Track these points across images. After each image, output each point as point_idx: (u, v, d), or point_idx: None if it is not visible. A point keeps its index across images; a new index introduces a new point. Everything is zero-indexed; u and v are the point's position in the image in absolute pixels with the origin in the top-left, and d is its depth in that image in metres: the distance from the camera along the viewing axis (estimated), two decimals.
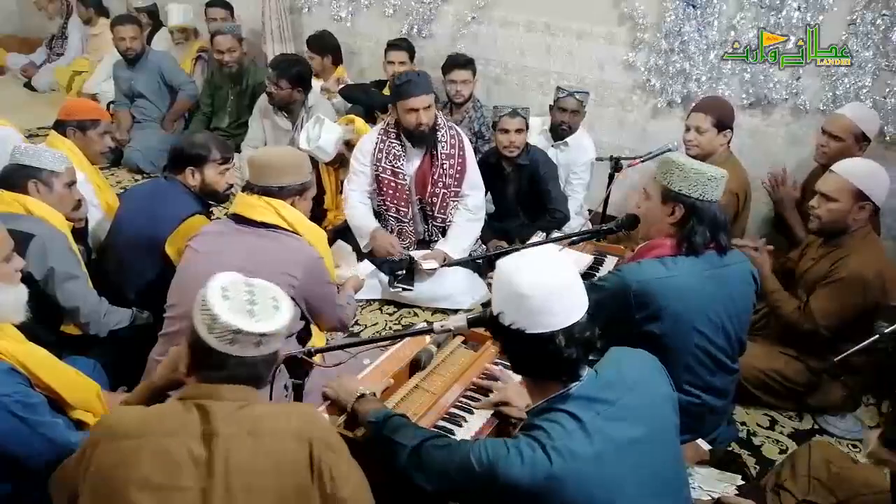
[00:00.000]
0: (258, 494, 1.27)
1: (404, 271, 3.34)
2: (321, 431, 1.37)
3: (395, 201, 3.35)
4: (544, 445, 1.30)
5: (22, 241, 2.08)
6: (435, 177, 3.35)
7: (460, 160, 3.38)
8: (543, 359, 1.37)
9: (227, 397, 1.32)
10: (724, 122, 3.15)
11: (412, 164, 3.36)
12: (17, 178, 2.38)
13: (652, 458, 1.39)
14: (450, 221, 3.46)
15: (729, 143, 3.22)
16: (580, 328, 1.36)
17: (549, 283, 1.34)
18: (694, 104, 3.38)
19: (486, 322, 1.45)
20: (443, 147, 3.33)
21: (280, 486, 1.28)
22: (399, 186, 3.34)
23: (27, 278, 1.95)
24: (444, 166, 3.35)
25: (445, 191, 3.39)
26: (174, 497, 1.24)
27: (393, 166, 3.32)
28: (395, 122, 3.32)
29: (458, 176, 3.39)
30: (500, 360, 2.17)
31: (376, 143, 3.34)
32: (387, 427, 1.59)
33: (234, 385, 1.34)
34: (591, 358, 1.43)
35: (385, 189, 3.35)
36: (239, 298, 1.34)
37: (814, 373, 2.66)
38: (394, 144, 3.32)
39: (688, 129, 3.21)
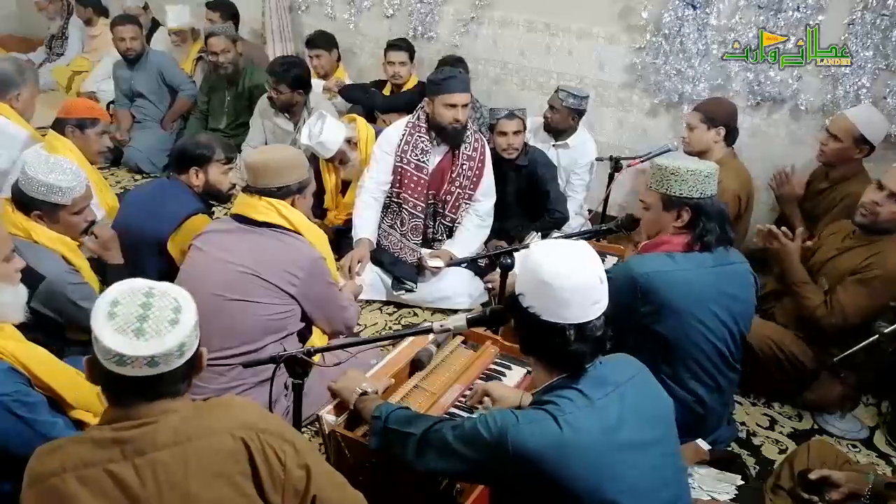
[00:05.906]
0: (200, 500, 1.22)
1: (413, 283, 3.34)
2: (252, 418, 1.31)
3: (415, 195, 3.34)
4: (555, 416, 1.34)
5: (33, 282, 2.05)
6: (453, 175, 3.36)
7: (480, 164, 3.39)
8: (550, 347, 1.40)
9: (139, 417, 1.23)
10: (713, 119, 3.17)
11: (434, 159, 3.36)
12: (25, 201, 2.24)
13: (653, 453, 1.41)
14: (458, 223, 3.46)
15: (728, 142, 3.22)
16: (593, 327, 1.38)
17: (572, 278, 1.36)
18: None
19: (506, 300, 1.43)
20: (465, 148, 3.34)
21: (220, 484, 1.24)
22: (420, 181, 3.34)
23: (28, 279, 1.95)
24: (464, 167, 3.35)
25: (460, 191, 3.39)
26: None
27: (418, 160, 3.31)
28: (425, 116, 3.32)
29: (475, 179, 3.39)
30: (499, 361, 2.17)
31: (403, 136, 3.33)
32: (391, 420, 1.60)
33: (145, 403, 1.24)
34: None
35: (406, 181, 3.33)
36: (128, 314, 1.18)
37: (819, 361, 2.63)
38: (422, 138, 3.31)
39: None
